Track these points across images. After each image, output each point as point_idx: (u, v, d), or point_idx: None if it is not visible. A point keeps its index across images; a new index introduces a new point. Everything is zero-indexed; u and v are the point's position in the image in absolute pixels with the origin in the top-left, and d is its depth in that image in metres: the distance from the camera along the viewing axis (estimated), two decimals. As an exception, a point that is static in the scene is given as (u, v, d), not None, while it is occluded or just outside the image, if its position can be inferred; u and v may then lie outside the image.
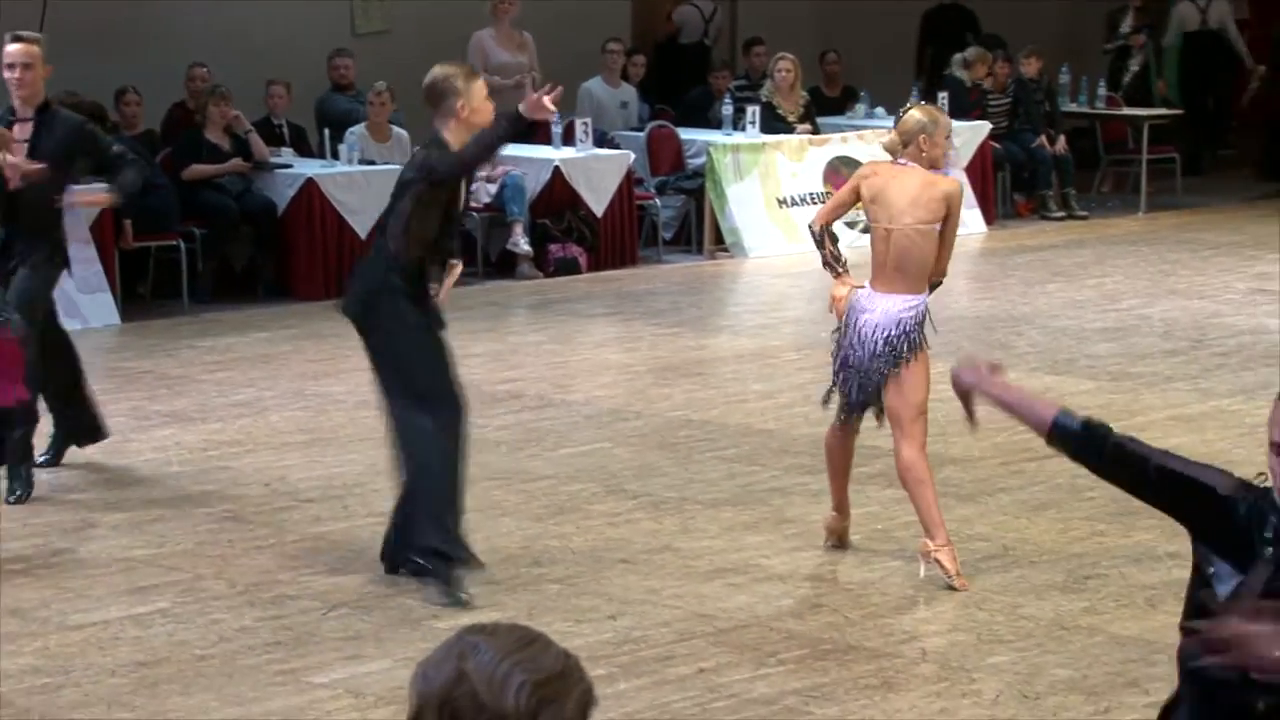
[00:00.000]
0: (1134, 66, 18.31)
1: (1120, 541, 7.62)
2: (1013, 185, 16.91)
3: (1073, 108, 17.55)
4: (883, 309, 7.24)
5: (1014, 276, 14.00)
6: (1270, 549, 3.89)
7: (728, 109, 15.49)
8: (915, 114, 7.37)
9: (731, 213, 14.92)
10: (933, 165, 7.34)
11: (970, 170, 16.11)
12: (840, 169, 15.49)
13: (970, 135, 16.21)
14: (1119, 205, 16.99)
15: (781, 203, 15.16)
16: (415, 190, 7.12)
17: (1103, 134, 17.79)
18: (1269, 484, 3.96)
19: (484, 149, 7.23)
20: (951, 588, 7.07)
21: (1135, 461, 4.10)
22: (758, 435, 9.38)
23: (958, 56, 16.91)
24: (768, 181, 15.15)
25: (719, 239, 14.90)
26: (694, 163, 15.28)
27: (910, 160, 7.31)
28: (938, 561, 7.11)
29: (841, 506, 7.56)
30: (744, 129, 15.36)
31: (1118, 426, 8.84)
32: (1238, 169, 19.19)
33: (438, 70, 7.20)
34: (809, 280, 14.13)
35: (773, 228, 15.00)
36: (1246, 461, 8.67)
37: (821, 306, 13.98)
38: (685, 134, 15.51)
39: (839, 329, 7.41)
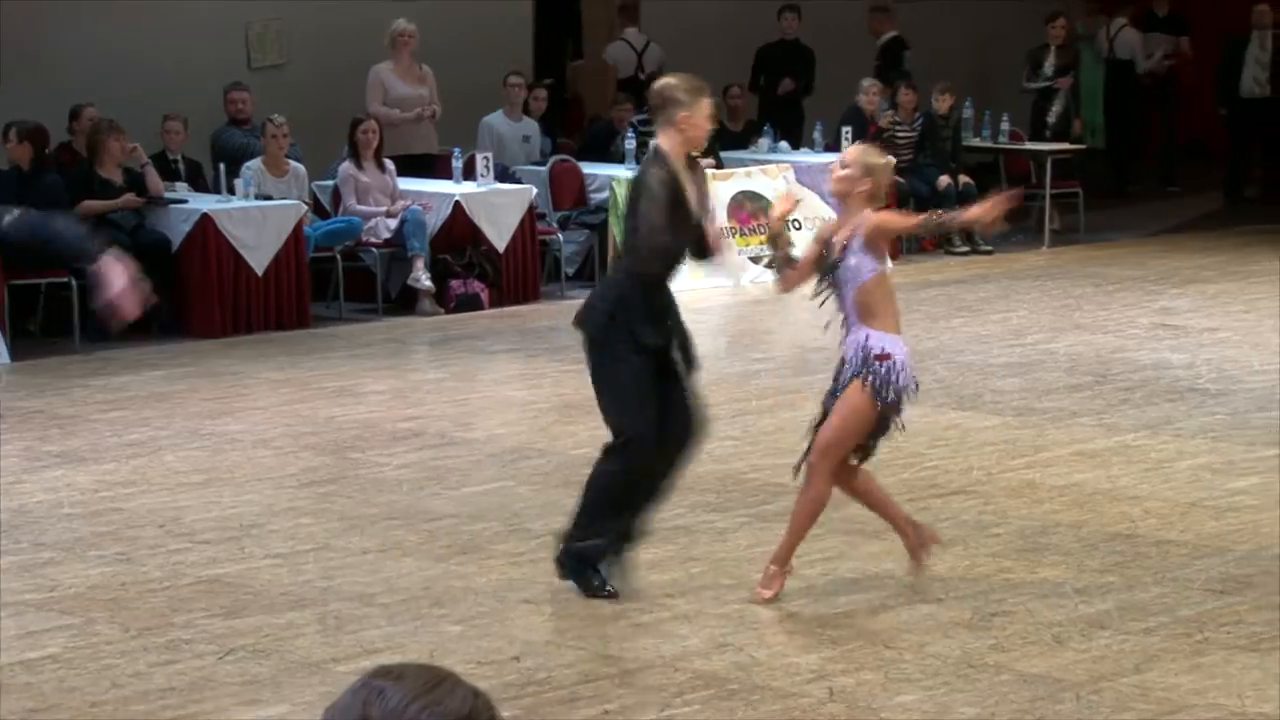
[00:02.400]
0: (1057, 107, 18.46)
1: (1027, 578, 7.66)
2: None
3: (976, 142, 17.71)
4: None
5: (919, 312, 14.06)
6: None
7: (630, 143, 15.53)
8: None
9: (635, 248, 14.91)
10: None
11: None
12: (744, 204, 15.57)
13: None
14: (1023, 240, 17.13)
15: (685, 238, 15.17)
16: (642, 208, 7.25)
17: (1006, 169, 17.93)
18: None
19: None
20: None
21: None
22: (662, 473, 9.36)
23: (866, 82, 17.08)
24: (671, 216, 15.16)
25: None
26: (597, 197, 15.31)
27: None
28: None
29: (906, 527, 7.55)
30: (647, 163, 15.38)
31: (1022, 463, 8.85)
32: (1148, 202, 19.39)
33: (666, 79, 7.43)
34: (716, 315, 14.18)
35: (677, 263, 15.01)
36: (1151, 497, 8.78)
37: (729, 341, 14.10)
38: (588, 168, 15.53)
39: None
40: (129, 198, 13.11)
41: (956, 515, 8.53)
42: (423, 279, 13.84)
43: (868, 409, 7.25)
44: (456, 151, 14.63)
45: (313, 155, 14.54)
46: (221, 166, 13.79)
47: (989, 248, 16.75)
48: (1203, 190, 19.97)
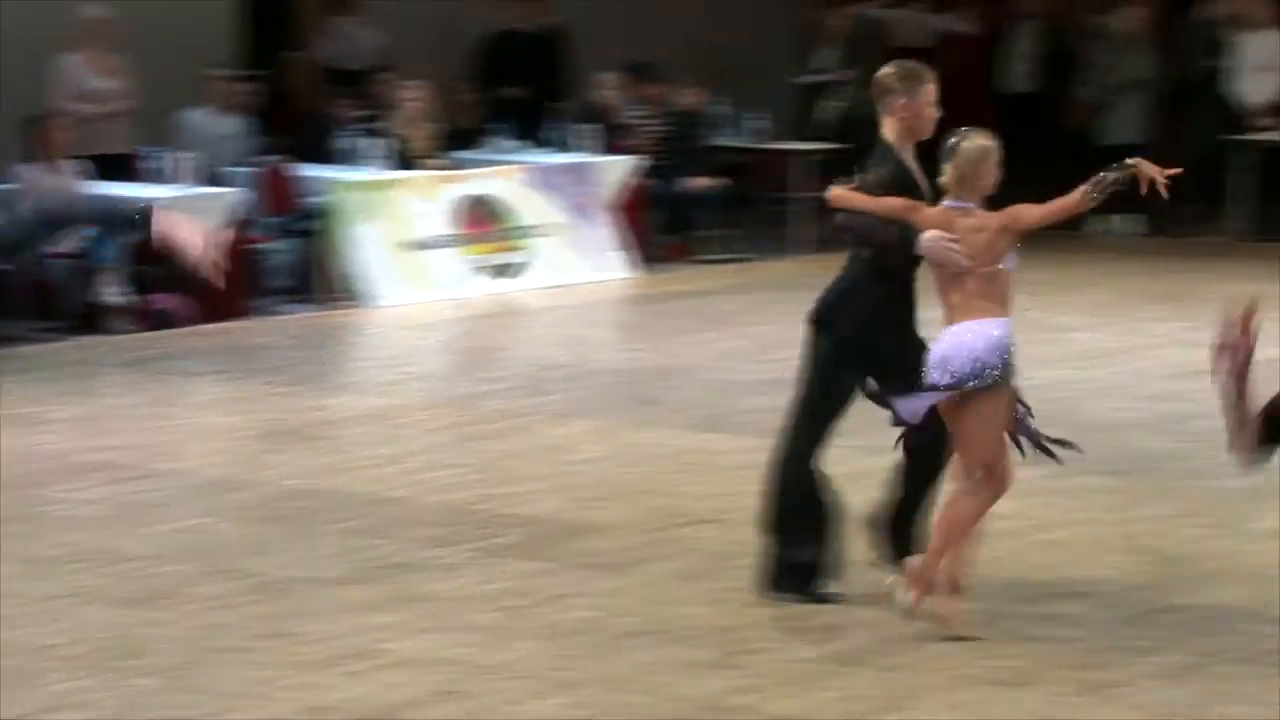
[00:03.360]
0: (839, 102, 18.70)
1: (775, 613, 7.75)
2: (665, 226, 17.10)
3: (731, 142, 17.84)
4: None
5: (663, 325, 14.19)
6: None
7: (350, 142, 15.44)
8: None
9: (355, 257, 14.85)
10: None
11: (618, 210, 16.31)
12: (476, 208, 15.57)
13: (617, 171, 16.42)
14: (778, 247, 17.32)
15: (410, 246, 15.14)
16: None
17: (761, 169, 18.08)
18: None
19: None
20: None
21: None
22: (383, 505, 9.33)
23: (607, 76, 17.18)
24: (395, 222, 15.13)
25: (340, 286, 14.81)
26: (313, 202, 15.19)
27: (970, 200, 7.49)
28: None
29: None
30: (368, 164, 15.32)
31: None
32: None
33: (885, 68, 7.74)
34: (441, 331, 14.17)
35: (401, 273, 14.97)
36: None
37: (456, 359, 14.09)
38: (303, 170, 15.40)
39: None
40: None
41: (703, 547, 8.60)
42: (114, 294, 13.61)
43: None
44: (151, 151, 14.42)
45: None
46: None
47: (741, 256, 16.92)
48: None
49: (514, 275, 15.62)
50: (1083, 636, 7.46)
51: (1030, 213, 7.54)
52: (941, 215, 7.49)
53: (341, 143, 15.61)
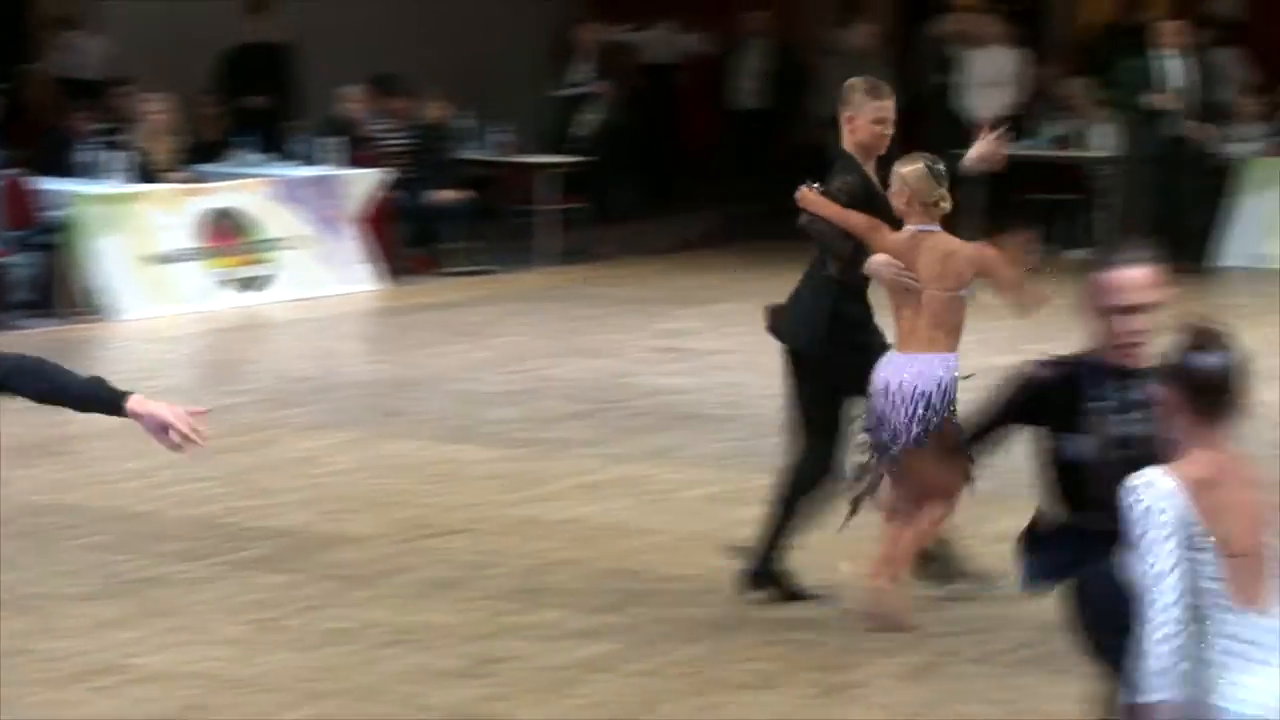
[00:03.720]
0: (593, 115, 18.79)
1: (525, 620, 7.80)
2: (411, 239, 17.07)
3: (477, 155, 17.86)
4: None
5: (411, 337, 14.18)
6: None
7: (91, 155, 15.23)
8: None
9: (97, 271, 14.66)
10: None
11: (364, 222, 16.27)
12: (221, 221, 15.45)
13: (362, 184, 16.38)
14: (524, 259, 17.37)
15: (154, 260, 14.98)
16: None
17: (506, 182, 18.13)
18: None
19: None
20: None
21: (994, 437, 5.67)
22: (130, 519, 9.24)
23: (350, 88, 17.11)
24: (138, 236, 14.96)
25: (83, 301, 14.61)
26: (53, 215, 14.96)
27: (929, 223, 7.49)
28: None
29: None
30: (110, 177, 15.13)
31: (521, 498, 9.06)
32: (655, 218, 19.86)
33: (850, 80, 7.86)
34: (186, 344, 14.03)
35: (144, 287, 14.81)
36: (656, 530, 9.04)
37: (202, 373, 13.94)
38: (42, 183, 15.15)
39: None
40: None
41: (450, 557, 8.63)
42: None
43: None
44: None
45: None
46: None
47: (487, 268, 16.95)
48: (707, 205, 20.55)
49: (260, 288, 15.52)
50: (825, 639, 7.61)
51: (1004, 275, 7.50)
52: (907, 239, 7.50)
53: (82, 156, 15.39)
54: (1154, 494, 4.45)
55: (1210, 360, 4.49)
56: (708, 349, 13.61)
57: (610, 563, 8.57)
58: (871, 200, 7.67)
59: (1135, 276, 5.34)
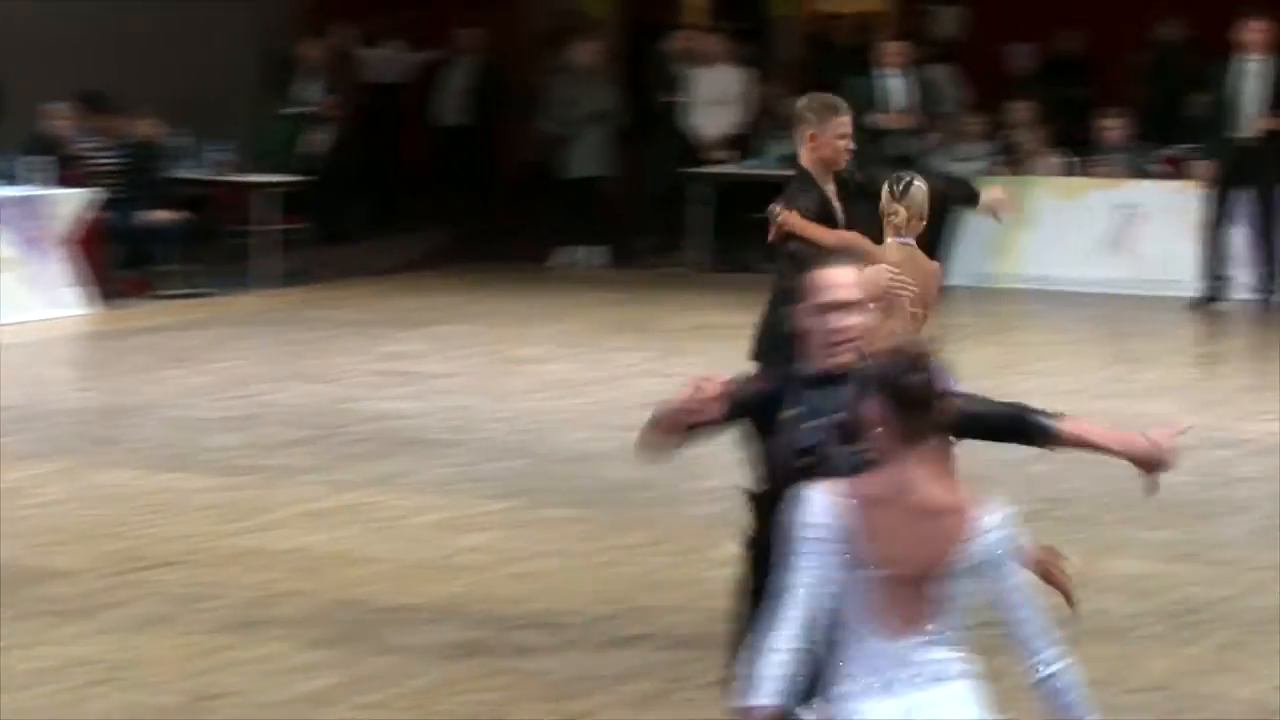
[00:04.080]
0: (322, 135, 18.50)
1: (245, 655, 7.58)
2: (123, 261, 16.67)
3: (192, 174, 17.52)
4: None
5: (124, 363, 13.85)
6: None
7: None
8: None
9: None
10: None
11: (73, 244, 15.86)
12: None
13: (70, 204, 15.96)
14: (241, 281, 17.07)
15: None
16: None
17: (222, 201, 17.80)
18: None
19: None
20: None
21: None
22: None
23: (54, 105, 16.65)
24: None
25: None
26: None
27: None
28: None
29: None
30: None
31: (241, 527, 8.85)
32: (378, 238, 19.66)
33: (802, 99, 7.87)
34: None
35: None
36: (381, 558, 8.86)
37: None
38: None
39: None
40: None
41: (165, 590, 8.37)
42: None
43: None
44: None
45: None
46: None
47: (204, 290, 16.62)
48: (428, 225, 20.40)
49: (-37, 313, 15.03)
50: (555, 667, 7.50)
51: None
52: (900, 251, 7.46)
53: None
54: (809, 509, 4.48)
55: (912, 378, 4.50)
56: (432, 372, 13.46)
57: (336, 593, 8.38)
58: (827, 221, 7.66)
59: (841, 275, 5.38)
